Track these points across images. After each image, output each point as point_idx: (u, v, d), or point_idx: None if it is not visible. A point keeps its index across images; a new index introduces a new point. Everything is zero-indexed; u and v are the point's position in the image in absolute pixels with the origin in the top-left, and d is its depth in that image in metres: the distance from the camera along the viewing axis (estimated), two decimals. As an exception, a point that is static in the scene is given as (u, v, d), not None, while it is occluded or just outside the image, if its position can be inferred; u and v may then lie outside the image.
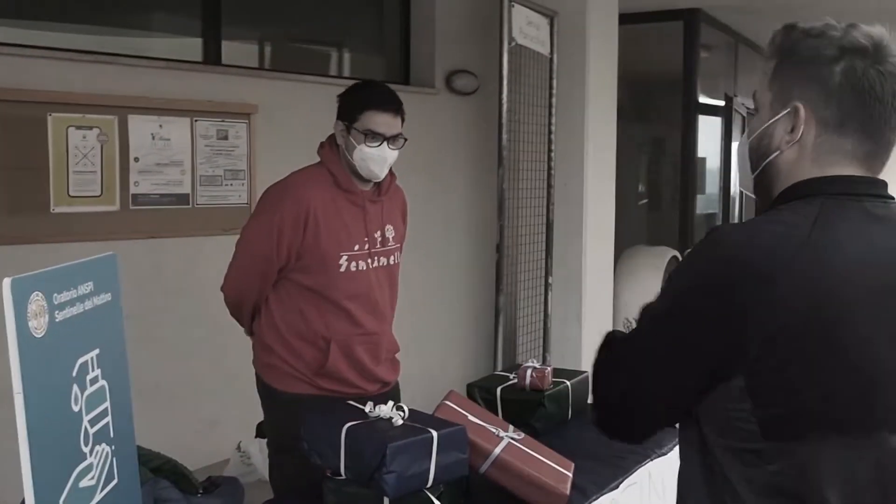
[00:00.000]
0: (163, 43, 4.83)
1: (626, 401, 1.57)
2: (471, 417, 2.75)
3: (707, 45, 8.47)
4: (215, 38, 4.86)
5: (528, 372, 3.46)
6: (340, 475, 2.48)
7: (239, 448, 4.30)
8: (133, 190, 4.25)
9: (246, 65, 5.07)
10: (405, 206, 3.42)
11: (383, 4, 6.24)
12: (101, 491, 1.77)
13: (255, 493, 3.73)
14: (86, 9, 4.46)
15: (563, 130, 6.02)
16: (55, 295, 1.60)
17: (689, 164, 8.20)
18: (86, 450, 1.70)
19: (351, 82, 3.32)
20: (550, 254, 6.05)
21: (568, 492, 2.66)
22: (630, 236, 7.99)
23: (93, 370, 1.73)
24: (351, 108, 3.08)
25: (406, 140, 3.14)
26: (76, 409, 1.66)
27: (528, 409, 3.36)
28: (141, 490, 2.74)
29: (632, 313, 4.12)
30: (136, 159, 4.25)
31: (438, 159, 6.05)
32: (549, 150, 5.98)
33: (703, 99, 8.28)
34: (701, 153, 8.30)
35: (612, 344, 1.65)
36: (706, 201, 8.71)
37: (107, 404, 1.79)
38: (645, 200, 9.18)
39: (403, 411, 2.56)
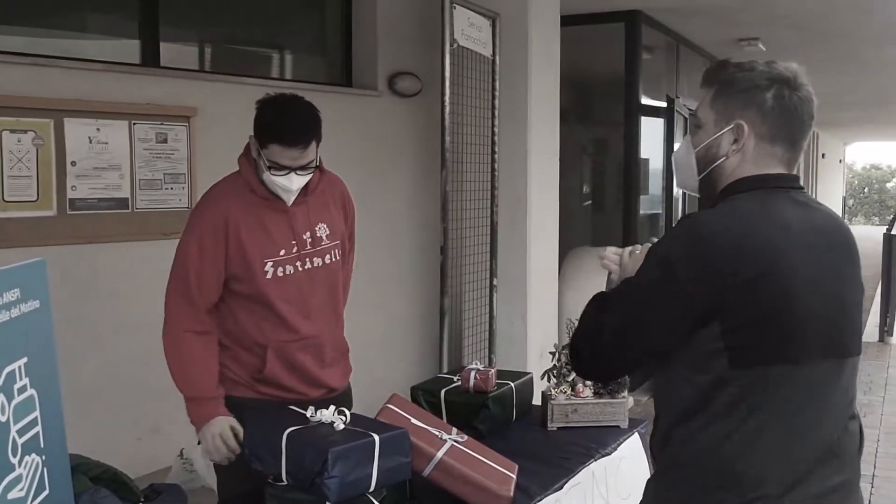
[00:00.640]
0: (100, 45, 4.75)
1: (621, 340, 2.02)
2: (413, 420, 2.74)
3: (648, 46, 8.55)
4: (153, 40, 4.79)
5: (472, 374, 3.46)
6: (282, 481, 2.46)
7: (181, 455, 4.23)
8: (70, 195, 4.18)
9: (185, 67, 5.01)
10: (345, 198, 3.36)
11: (324, 6, 6.20)
12: (32, 502, 1.73)
13: (198, 500, 3.69)
14: (20, 10, 4.37)
15: (507, 132, 6.03)
16: (-21, 302, 1.56)
17: (633, 165, 8.26)
18: (14, 461, 1.66)
19: (291, 86, 3.28)
20: (495, 255, 6.06)
21: (511, 493, 2.66)
22: (574, 237, 8.04)
23: (21, 379, 1.69)
24: (260, 133, 3.00)
25: (318, 165, 3.08)
26: (3, 419, 1.62)
27: (472, 411, 3.36)
28: (80, 500, 2.70)
29: (576, 314, 4.14)
30: (74, 163, 4.18)
31: (381, 162, 6.03)
32: (493, 152, 5.99)
33: (645, 100, 8.35)
34: (644, 154, 8.37)
35: (607, 297, 2.13)
36: (650, 201, 8.78)
37: (36, 413, 1.75)
38: (589, 201, 9.23)
39: (345, 415, 2.55)
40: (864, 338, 9.84)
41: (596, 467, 3.16)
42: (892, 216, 16.55)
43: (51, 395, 1.82)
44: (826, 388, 1.97)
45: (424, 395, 3.43)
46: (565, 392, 3.44)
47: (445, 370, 5.27)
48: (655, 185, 9.03)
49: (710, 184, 2.12)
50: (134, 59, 4.74)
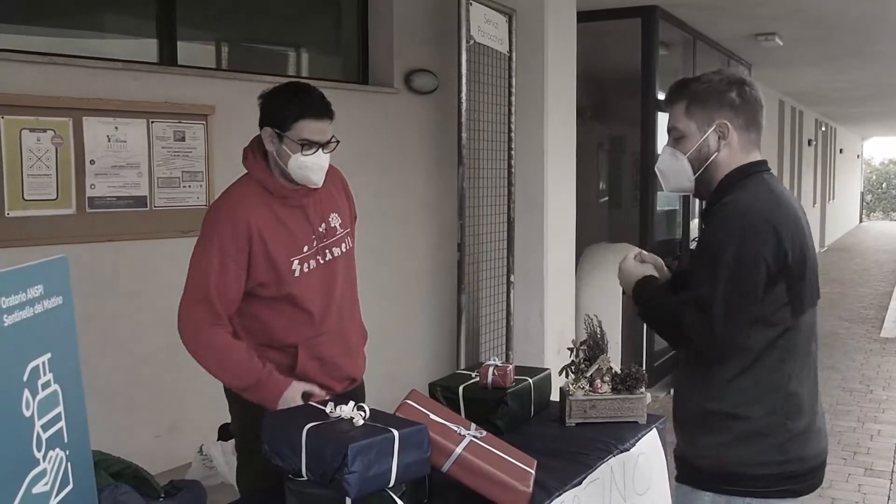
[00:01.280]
0: (118, 44, 4.77)
1: (711, 318, 2.36)
2: (432, 416, 2.74)
3: (665, 42, 8.52)
4: (171, 39, 4.81)
5: (490, 370, 3.46)
6: (302, 476, 2.47)
7: (201, 451, 4.27)
8: (89, 193, 4.20)
9: (202, 65, 5.03)
10: (344, 183, 3.36)
11: (341, 4, 6.22)
12: (56, 496, 1.74)
13: (217, 496, 3.71)
14: (39, 10, 4.40)
15: (523, 128, 6.03)
16: (3, 299, 1.57)
17: (649, 161, 8.22)
18: (38, 455, 1.67)
19: (310, 82, 3.27)
20: (512, 252, 6.06)
21: (531, 489, 2.66)
22: (591, 233, 8.02)
23: (44, 374, 1.70)
24: (282, 116, 2.98)
25: (338, 142, 3.08)
26: (27, 414, 1.64)
27: (490, 407, 3.36)
28: (101, 495, 2.72)
29: (593, 309, 4.14)
30: (92, 162, 4.20)
31: (398, 159, 6.04)
32: (510, 149, 5.99)
33: (662, 96, 8.32)
34: (661, 150, 8.34)
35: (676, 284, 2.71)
36: (666, 198, 8.75)
37: (60, 409, 1.76)
38: (606, 198, 9.22)
39: (364, 411, 2.55)
40: (883, 333, 9.80)
41: (614, 463, 3.16)
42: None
43: (74, 391, 1.84)
44: (813, 330, 2.55)
45: (443, 392, 3.43)
46: (583, 388, 3.43)
47: (463, 366, 5.28)
48: (672, 181, 8.97)
49: (706, 179, 2.58)
50: (152, 58, 4.76)
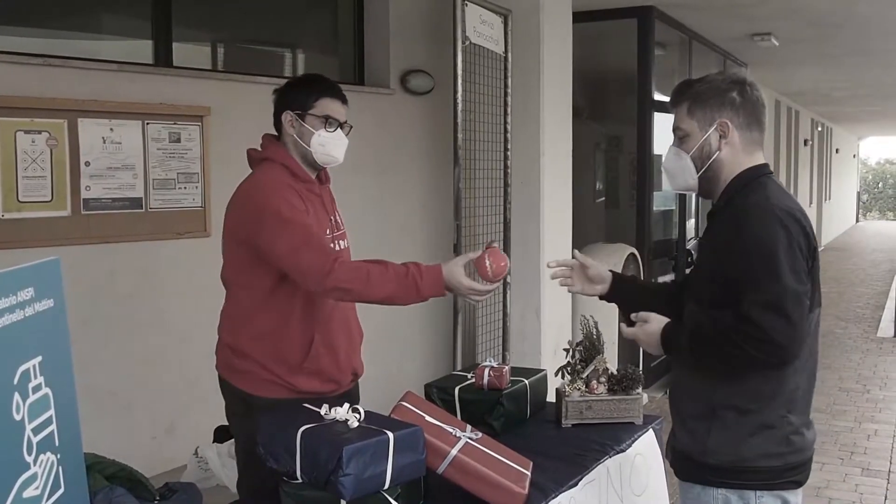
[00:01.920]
0: (113, 45, 4.77)
1: (787, 313, 2.35)
2: (428, 418, 2.74)
3: (661, 42, 8.52)
4: (166, 40, 4.80)
5: (486, 371, 3.45)
6: (297, 479, 2.46)
7: (196, 453, 4.26)
8: (84, 195, 4.19)
9: (198, 66, 5.02)
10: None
11: (337, 5, 6.21)
12: (47, 500, 1.73)
13: (213, 499, 3.70)
14: (34, 11, 4.39)
15: (519, 129, 6.02)
16: (-8, 301, 1.56)
17: (646, 162, 8.24)
18: (29, 459, 1.66)
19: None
20: (508, 252, 6.05)
21: (526, 491, 2.65)
22: (588, 233, 8.01)
23: (35, 377, 1.69)
24: (304, 96, 3.11)
25: (352, 126, 3.21)
26: (18, 417, 1.62)
27: (486, 408, 3.35)
28: (95, 498, 2.71)
29: (589, 310, 4.13)
30: (87, 163, 4.19)
31: (394, 159, 6.04)
32: (506, 149, 5.98)
33: (658, 96, 8.32)
34: (657, 150, 8.34)
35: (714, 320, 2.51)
36: (663, 198, 8.75)
37: (51, 412, 1.75)
38: (602, 198, 9.22)
39: (359, 413, 2.55)
40: (879, 333, 9.82)
41: (611, 464, 3.15)
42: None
43: (66, 394, 1.82)
44: (818, 329, 2.57)
45: (438, 393, 3.43)
46: (580, 389, 3.43)
47: (459, 367, 5.27)
48: (669, 181, 8.97)
49: (710, 177, 2.62)
50: (147, 60, 4.75)
